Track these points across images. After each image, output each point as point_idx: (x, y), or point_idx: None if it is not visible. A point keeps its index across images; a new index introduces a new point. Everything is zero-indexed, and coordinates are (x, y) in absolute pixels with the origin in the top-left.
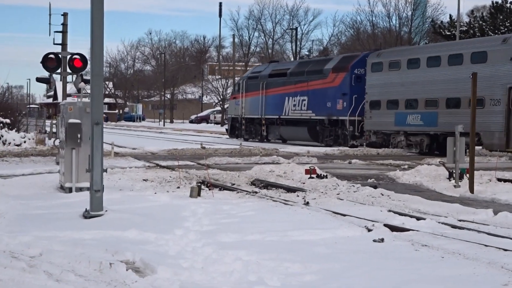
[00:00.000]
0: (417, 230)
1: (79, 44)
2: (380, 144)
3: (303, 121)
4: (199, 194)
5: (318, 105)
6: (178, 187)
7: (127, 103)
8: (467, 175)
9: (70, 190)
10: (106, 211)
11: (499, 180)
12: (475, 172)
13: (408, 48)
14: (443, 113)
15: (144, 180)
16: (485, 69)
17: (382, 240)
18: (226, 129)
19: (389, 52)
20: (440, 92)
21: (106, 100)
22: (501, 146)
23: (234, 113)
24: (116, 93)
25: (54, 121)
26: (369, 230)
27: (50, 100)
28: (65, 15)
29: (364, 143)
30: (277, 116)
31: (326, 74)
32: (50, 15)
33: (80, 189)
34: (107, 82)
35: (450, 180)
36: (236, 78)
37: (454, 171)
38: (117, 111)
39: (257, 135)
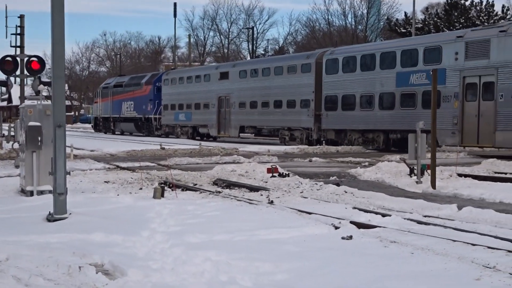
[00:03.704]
0: (384, 227)
1: (37, 46)
2: (171, 133)
3: (132, 119)
4: (162, 195)
5: (139, 108)
6: (141, 189)
7: (83, 105)
8: (428, 171)
9: (31, 193)
10: (70, 214)
11: (460, 175)
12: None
13: (185, 69)
14: (195, 113)
15: (105, 182)
16: (209, 86)
17: (350, 237)
18: (92, 126)
19: (173, 71)
20: (192, 99)
21: None
22: (216, 132)
23: (95, 114)
24: (72, 95)
25: (12, 125)
26: (336, 228)
27: (5, 104)
28: (21, 17)
29: (163, 132)
30: (118, 115)
31: (142, 86)
32: (6, 17)
33: (41, 192)
34: None
35: (411, 177)
36: None
37: (415, 168)
38: (72, 113)
39: (110, 129)
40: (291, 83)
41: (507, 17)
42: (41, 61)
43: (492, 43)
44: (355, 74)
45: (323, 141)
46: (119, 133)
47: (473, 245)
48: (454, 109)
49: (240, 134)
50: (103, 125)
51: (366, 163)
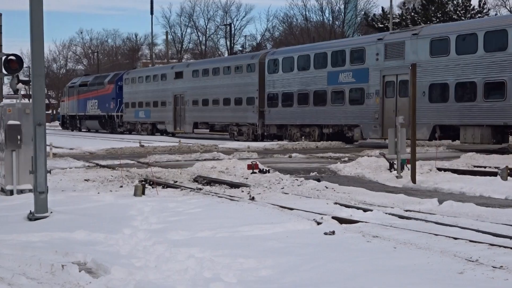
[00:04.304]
0: (366, 222)
1: (13, 44)
2: (132, 130)
3: (96, 116)
4: (143, 193)
5: (102, 106)
6: (121, 186)
7: (61, 103)
8: (408, 165)
9: (11, 192)
10: (51, 212)
11: (439, 169)
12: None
13: (144, 69)
14: (153, 110)
15: (85, 180)
16: (165, 85)
17: (333, 232)
18: (59, 123)
19: (134, 71)
20: (150, 98)
21: None
22: (172, 128)
23: (63, 112)
24: (49, 93)
25: None
26: (319, 223)
27: None
28: None
29: (125, 129)
30: (84, 113)
31: (105, 85)
32: None
33: (21, 191)
34: None
35: (391, 171)
36: None
37: (395, 162)
38: (50, 111)
39: (76, 127)
40: (238, 82)
41: (484, 11)
42: (19, 59)
43: (406, 45)
44: (293, 73)
45: (265, 136)
46: (85, 130)
47: (455, 239)
48: (375, 105)
49: (194, 130)
50: (70, 123)
51: (346, 158)
